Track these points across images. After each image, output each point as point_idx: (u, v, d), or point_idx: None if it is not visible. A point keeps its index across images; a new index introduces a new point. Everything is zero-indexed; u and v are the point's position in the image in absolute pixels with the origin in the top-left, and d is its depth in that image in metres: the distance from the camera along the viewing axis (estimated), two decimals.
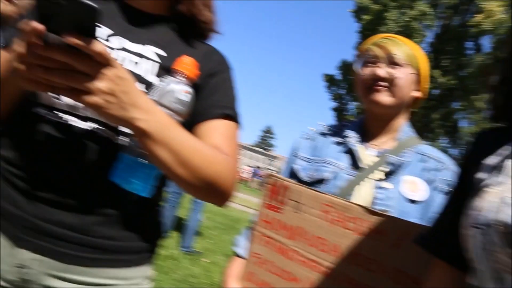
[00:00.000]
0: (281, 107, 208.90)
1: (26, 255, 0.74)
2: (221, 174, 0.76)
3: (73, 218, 0.75)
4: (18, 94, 0.75)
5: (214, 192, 0.78)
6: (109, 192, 0.76)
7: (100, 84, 0.60)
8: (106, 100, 0.61)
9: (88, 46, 0.56)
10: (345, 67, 16.39)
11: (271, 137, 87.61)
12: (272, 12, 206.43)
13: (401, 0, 13.81)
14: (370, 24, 14.25)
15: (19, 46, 0.59)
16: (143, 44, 0.84)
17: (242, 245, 1.15)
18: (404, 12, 13.71)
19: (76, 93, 0.60)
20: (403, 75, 1.10)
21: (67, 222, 0.74)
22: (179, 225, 5.11)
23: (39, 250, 0.74)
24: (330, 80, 17.63)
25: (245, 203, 11.89)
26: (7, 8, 2.31)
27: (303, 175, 1.16)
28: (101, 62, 0.59)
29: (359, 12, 15.18)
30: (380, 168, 1.08)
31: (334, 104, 17.74)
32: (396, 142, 1.13)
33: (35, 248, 0.74)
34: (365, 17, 14.61)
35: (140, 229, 0.83)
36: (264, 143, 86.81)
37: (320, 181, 1.12)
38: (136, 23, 0.87)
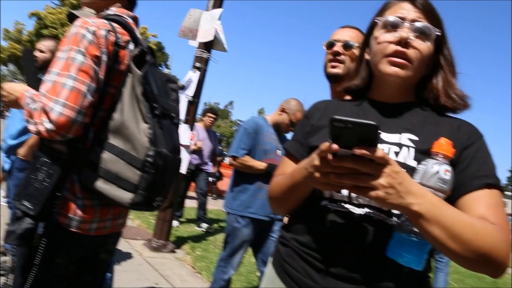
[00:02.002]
0: None
1: None
2: (494, 245, 0.77)
3: None
4: (308, 192, 0.98)
5: (488, 263, 0.78)
6: (386, 266, 0.87)
7: (381, 180, 0.74)
8: (386, 192, 0.74)
9: (372, 154, 0.72)
10: None
11: None
12: None
13: None
14: None
15: (315, 160, 0.81)
16: (398, 133, 0.96)
17: None
18: None
19: (361, 190, 0.77)
20: None
21: None
22: None
23: None
24: None
25: None
26: (282, 117, 2.92)
27: None
28: (381, 163, 0.74)
29: None
30: None
31: None
32: None
33: None
34: None
35: None
36: None
37: None
38: (387, 115, 1.01)
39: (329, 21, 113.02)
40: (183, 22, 4.48)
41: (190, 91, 4.45)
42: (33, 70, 1.47)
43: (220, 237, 5.73)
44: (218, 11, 4.40)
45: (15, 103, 1.33)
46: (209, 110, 6.15)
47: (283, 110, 2.92)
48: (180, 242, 5.01)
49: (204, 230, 5.86)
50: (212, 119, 6.04)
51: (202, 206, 6.09)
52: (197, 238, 5.42)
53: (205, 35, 4.36)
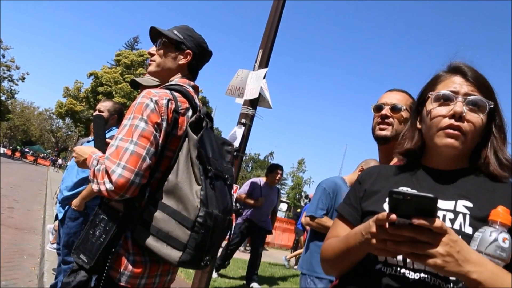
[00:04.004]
0: None
1: None
2: None
3: None
4: (362, 256, 0.98)
5: None
6: None
7: (439, 249, 0.76)
8: (444, 260, 0.76)
9: (430, 224, 0.75)
10: None
11: None
12: None
13: None
14: None
15: (372, 227, 0.84)
16: (453, 200, 0.96)
17: None
18: None
19: (418, 257, 0.78)
20: None
21: None
22: None
23: None
24: None
25: None
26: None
27: None
28: (439, 232, 0.76)
29: None
30: None
31: None
32: None
33: None
34: None
35: None
36: None
37: None
38: (442, 182, 1.02)
39: (368, 72, 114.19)
40: (230, 82, 4.69)
41: (235, 146, 4.55)
42: (102, 134, 1.61)
43: None
44: (264, 70, 4.59)
45: (83, 164, 1.46)
46: (277, 167, 5.80)
47: (362, 170, 2.88)
48: None
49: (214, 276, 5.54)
50: (280, 176, 5.75)
51: (254, 266, 5.74)
52: None
53: (251, 93, 4.53)
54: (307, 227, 2.98)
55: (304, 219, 2.77)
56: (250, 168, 62.00)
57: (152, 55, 1.62)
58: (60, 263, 3.08)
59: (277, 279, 7.03)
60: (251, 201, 5.48)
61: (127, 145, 1.28)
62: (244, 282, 5.72)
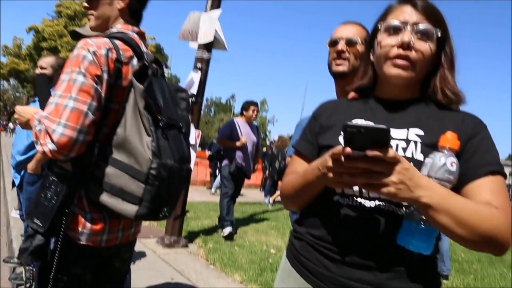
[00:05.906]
0: None
1: None
2: (499, 228, 0.82)
3: (371, 276, 0.93)
4: (320, 190, 1.02)
5: (493, 245, 0.84)
6: (396, 253, 0.92)
7: (392, 177, 0.79)
8: (397, 188, 0.79)
9: (383, 155, 0.76)
10: None
11: None
12: None
13: None
14: None
15: (328, 161, 0.86)
16: (405, 128, 0.99)
17: None
18: None
19: (373, 187, 0.81)
20: None
21: (365, 279, 0.93)
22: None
23: None
24: None
25: None
26: None
27: None
28: (392, 162, 0.78)
29: None
30: None
31: None
32: None
33: None
34: None
35: (424, 280, 0.95)
36: None
37: None
38: (394, 112, 1.05)
39: (323, 5, 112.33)
40: (183, 26, 4.48)
41: (193, 91, 4.44)
42: (46, 93, 1.50)
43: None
44: (217, 12, 4.39)
45: (26, 125, 1.37)
46: (251, 103, 5.60)
47: None
48: (192, 236, 5.08)
49: (225, 234, 5.28)
50: (256, 112, 5.59)
51: (229, 210, 5.49)
52: (208, 232, 5.47)
53: (205, 37, 4.36)
54: None
55: (288, 159, 2.81)
56: (213, 112, 61.47)
57: (87, 8, 1.47)
58: (26, 228, 3.03)
59: (249, 217, 7.31)
60: (233, 143, 5.30)
61: (66, 101, 1.19)
62: (216, 224, 5.81)
